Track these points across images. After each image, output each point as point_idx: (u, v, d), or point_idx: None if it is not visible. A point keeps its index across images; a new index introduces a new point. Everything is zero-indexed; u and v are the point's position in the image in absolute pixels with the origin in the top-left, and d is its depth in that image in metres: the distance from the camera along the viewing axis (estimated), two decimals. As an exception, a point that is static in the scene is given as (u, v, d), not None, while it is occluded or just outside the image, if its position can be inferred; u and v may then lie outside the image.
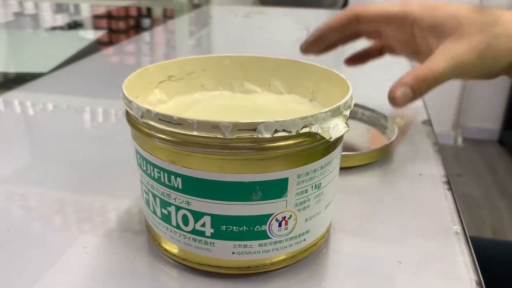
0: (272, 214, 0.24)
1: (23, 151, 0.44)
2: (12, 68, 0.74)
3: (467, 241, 0.29)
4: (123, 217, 0.32)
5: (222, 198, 0.24)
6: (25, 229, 0.31)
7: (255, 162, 0.23)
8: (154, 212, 0.27)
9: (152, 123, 0.23)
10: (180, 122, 0.22)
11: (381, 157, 0.40)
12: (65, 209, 0.34)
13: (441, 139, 2.06)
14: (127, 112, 0.26)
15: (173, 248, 0.27)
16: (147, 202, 0.27)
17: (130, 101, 0.24)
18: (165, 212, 0.25)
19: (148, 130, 0.24)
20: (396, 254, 0.29)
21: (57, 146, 0.44)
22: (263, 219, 0.24)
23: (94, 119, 0.51)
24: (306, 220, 0.26)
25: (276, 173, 0.23)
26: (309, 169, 0.24)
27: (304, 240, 0.27)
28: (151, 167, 0.25)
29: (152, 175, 0.25)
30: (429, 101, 0.59)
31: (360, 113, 0.48)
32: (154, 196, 0.26)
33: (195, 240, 0.25)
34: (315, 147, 0.24)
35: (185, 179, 0.23)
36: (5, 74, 0.69)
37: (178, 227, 0.25)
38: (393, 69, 0.67)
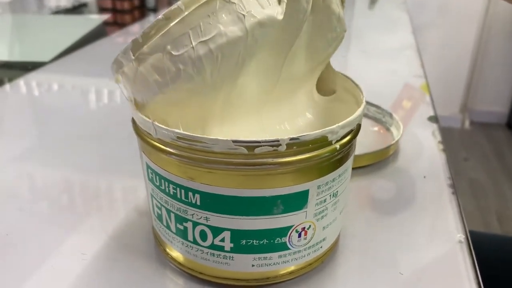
0: (293, 225, 0.24)
1: (30, 132, 0.44)
2: (17, 56, 0.73)
3: (470, 251, 0.29)
4: (130, 197, 0.32)
5: (243, 213, 0.23)
6: (34, 208, 0.31)
7: (276, 176, 0.22)
8: (168, 227, 0.26)
9: (169, 141, 0.22)
10: (201, 140, 0.21)
11: (385, 157, 0.39)
12: (73, 189, 0.33)
13: (448, 122, 2.03)
14: (134, 122, 0.25)
15: (189, 263, 0.26)
16: (159, 216, 0.26)
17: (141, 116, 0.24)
18: (181, 227, 0.25)
19: (163, 147, 0.23)
20: (398, 265, 0.28)
21: (64, 127, 0.44)
22: (284, 231, 0.24)
23: (100, 100, 0.51)
24: (324, 228, 0.26)
25: (297, 186, 0.23)
26: (328, 179, 0.24)
27: (321, 247, 0.27)
28: (166, 183, 0.24)
29: (167, 191, 0.24)
30: (437, 83, 0.58)
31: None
32: (169, 211, 0.25)
33: (213, 254, 0.25)
34: (334, 157, 0.24)
35: (204, 195, 0.23)
36: (10, 63, 0.68)
37: (195, 242, 0.25)
38: (401, 59, 0.66)
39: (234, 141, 0.21)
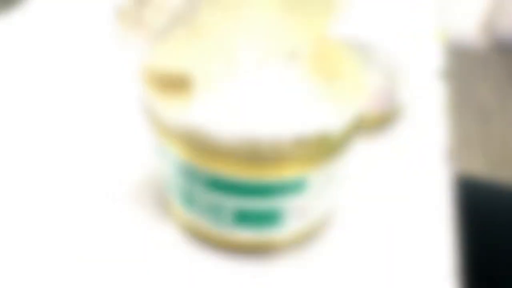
0: (290, 205, 0.26)
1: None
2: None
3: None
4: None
5: (245, 195, 0.25)
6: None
7: (278, 168, 0.24)
8: (174, 193, 0.28)
9: (175, 127, 0.23)
10: (205, 134, 0.22)
11: (386, 120, 0.40)
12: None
13: (469, 40, 1.95)
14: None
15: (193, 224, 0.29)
16: (167, 182, 0.28)
17: (151, 98, 0.24)
18: (187, 197, 0.27)
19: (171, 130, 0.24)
20: (379, 245, 0.30)
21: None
22: (282, 209, 0.26)
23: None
24: (320, 204, 0.28)
25: (298, 175, 0.25)
26: (327, 167, 0.25)
27: (316, 217, 0.29)
28: (173, 160, 0.26)
29: (172, 163, 0.26)
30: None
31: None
32: (176, 183, 0.27)
33: (216, 222, 0.27)
34: (334, 149, 0.25)
35: (209, 177, 0.25)
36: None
37: (199, 210, 0.27)
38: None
39: (238, 140, 0.22)
